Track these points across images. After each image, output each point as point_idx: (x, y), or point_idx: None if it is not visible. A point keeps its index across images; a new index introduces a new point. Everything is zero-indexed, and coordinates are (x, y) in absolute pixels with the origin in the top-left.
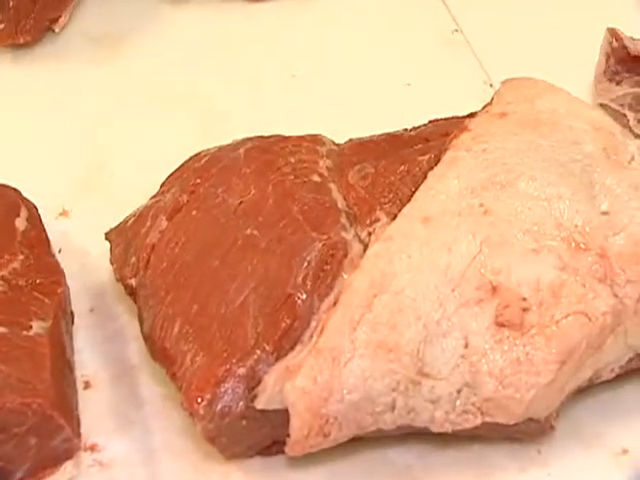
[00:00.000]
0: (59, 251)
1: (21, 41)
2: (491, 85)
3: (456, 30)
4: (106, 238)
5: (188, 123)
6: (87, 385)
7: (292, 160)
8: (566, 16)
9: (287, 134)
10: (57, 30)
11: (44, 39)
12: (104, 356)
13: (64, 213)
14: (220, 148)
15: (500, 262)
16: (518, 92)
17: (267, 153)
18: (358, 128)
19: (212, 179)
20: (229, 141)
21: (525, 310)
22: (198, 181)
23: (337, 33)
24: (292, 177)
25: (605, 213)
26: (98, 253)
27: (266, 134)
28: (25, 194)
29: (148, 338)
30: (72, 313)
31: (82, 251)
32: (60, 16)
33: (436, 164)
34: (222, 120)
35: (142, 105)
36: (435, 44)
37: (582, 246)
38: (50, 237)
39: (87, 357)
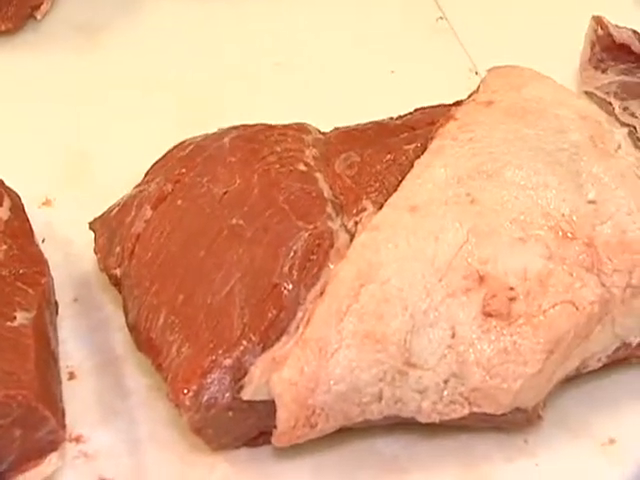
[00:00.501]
0: (42, 241)
1: (2, 28)
2: (476, 73)
3: (441, 17)
4: (90, 228)
5: (172, 112)
6: (72, 376)
7: (278, 149)
8: (551, 4)
9: (272, 123)
10: (39, 17)
11: (26, 27)
12: (89, 346)
13: (47, 202)
14: (205, 137)
15: (487, 251)
16: (504, 80)
17: (252, 142)
18: (343, 116)
19: (197, 168)
20: (214, 130)
21: (512, 299)
22: (183, 170)
23: (321, 20)
24: (278, 166)
25: (592, 202)
26: (82, 242)
27: (251, 123)
28: (7, 183)
29: (133, 329)
30: (56, 303)
31: (66, 241)
32: (42, 3)
33: (422, 153)
34: (207, 109)
35: (125, 94)
36: (420, 31)
37: (569, 235)
38: (33, 227)
39: (72, 347)
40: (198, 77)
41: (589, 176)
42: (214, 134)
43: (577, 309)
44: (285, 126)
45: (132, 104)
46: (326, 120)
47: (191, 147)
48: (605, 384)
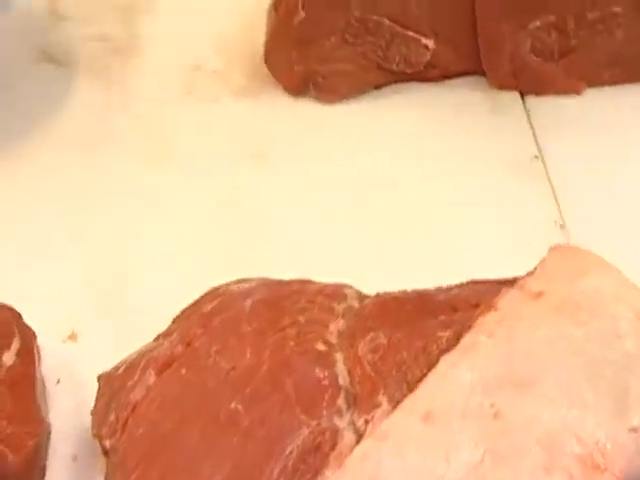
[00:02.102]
0: (57, 382)
1: None
2: (562, 226)
3: (536, 157)
4: (98, 381)
5: (216, 251)
6: None
7: (300, 320)
8: None
9: (323, 270)
10: None
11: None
12: None
13: (73, 337)
14: (232, 293)
15: (503, 478)
16: (563, 265)
17: (274, 309)
18: (404, 258)
19: (211, 332)
20: (258, 273)
21: None
22: (199, 331)
23: (403, 144)
24: (293, 343)
25: (634, 429)
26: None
27: (297, 271)
28: (36, 311)
29: None
30: (44, 467)
31: (82, 384)
32: None
33: (457, 341)
34: (253, 248)
35: (169, 227)
36: (510, 169)
37: (601, 466)
38: (51, 363)
39: None
40: (251, 211)
41: (637, 398)
42: (242, 290)
43: None
44: (319, 290)
45: (175, 239)
46: (382, 262)
47: (216, 301)
48: None
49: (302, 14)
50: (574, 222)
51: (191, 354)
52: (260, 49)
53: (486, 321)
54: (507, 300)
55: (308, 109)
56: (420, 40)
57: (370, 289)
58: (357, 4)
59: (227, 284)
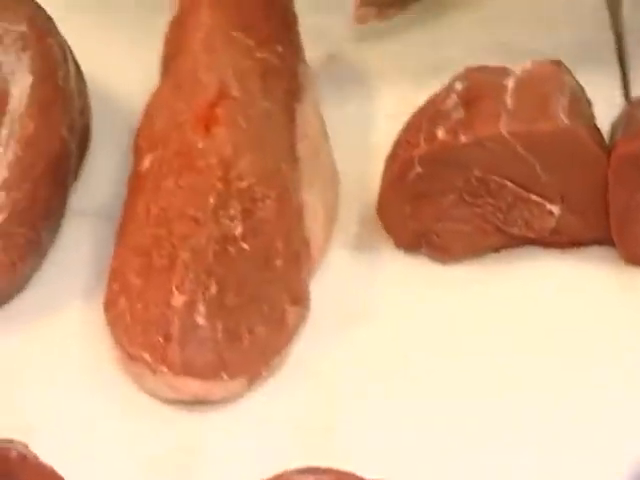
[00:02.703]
0: None
1: None
2: None
3: None
4: None
5: (291, 427)
6: None
7: None
8: None
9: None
10: None
11: None
12: None
13: None
14: None
15: None
16: None
17: None
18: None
19: None
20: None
21: None
22: None
23: (515, 317)
24: None
25: None
26: None
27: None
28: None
29: None
30: None
31: None
32: None
33: None
34: (334, 427)
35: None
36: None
37: None
38: None
39: None
40: (342, 392)
41: None
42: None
43: None
44: None
45: (245, 413)
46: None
47: None
48: None
49: (418, 169)
50: None
51: None
52: (376, 199)
53: None
54: None
55: (419, 267)
56: (545, 205)
57: None
58: (478, 163)
59: (290, 472)
